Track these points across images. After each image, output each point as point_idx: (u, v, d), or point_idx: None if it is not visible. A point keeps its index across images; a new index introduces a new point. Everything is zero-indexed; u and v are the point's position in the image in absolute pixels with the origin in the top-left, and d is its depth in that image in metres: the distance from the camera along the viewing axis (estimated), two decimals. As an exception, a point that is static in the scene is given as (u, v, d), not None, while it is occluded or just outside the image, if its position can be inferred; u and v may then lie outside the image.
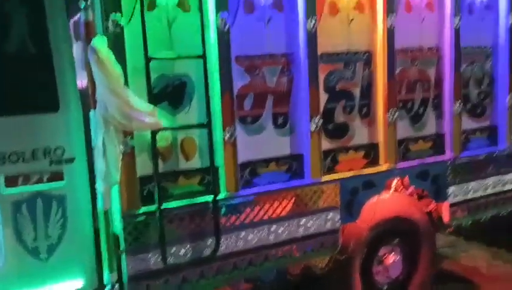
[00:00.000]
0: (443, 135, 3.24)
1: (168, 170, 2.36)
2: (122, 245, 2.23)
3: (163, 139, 2.33)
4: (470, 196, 3.33)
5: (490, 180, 3.44)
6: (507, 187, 3.54)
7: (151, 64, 2.23)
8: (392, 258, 3.18)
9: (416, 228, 3.20)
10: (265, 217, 2.61)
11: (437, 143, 3.23)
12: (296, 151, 2.73)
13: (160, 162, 2.32)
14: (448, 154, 3.24)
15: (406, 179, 3.10)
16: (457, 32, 3.14)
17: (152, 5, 2.27)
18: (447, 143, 3.24)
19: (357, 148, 2.93)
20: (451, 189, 3.24)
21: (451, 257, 4.41)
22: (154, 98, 2.26)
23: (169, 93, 2.35)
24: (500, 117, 3.47)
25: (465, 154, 3.32)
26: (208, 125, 2.37)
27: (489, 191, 3.44)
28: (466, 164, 3.30)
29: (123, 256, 2.23)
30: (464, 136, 3.32)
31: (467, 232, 4.22)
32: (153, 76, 2.26)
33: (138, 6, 2.18)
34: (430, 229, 3.28)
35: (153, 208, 2.28)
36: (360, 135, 2.94)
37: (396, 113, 2.97)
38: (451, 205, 3.26)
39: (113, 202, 2.19)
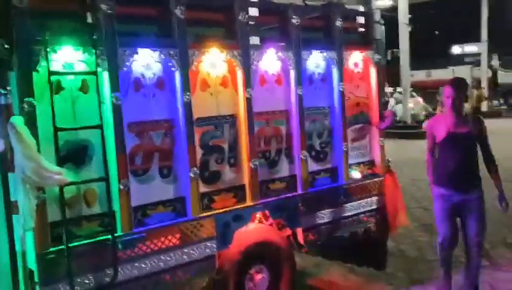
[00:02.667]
0: (295, 176, 4.20)
1: (73, 215, 2.98)
2: (36, 279, 2.78)
3: (70, 192, 2.96)
4: (318, 222, 4.30)
5: (334, 209, 4.44)
6: (347, 213, 4.57)
7: (59, 134, 2.88)
8: (260, 276, 3.97)
9: (278, 250, 4.05)
10: (156, 248, 3.29)
11: (290, 182, 4.17)
12: (179, 195, 3.48)
13: (67, 209, 2.93)
14: (299, 191, 4.20)
15: (266, 212, 3.97)
16: (300, 98, 4.15)
17: (59, 89, 2.93)
18: (298, 182, 4.20)
19: (228, 190, 3.76)
20: (302, 218, 4.18)
21: (315, 274, 5.38)
22: (61, 160, 2.90)
23: (74, 155, 2.99)
24: (338, 160, 4.53)
25: (313, 190, 4.30)
26: (105, 179, 3.03)
27: (333, 217, 4.43)
28: (314, 197, 4.26)
29: (37, 288, 2.78)
30: (311, 176, 4.32)
31: (328, 252, 5.22)
32: (60, 142, 2.90)
33: (48, 91, 2.83)
34: (290, 250, 4.18)
35: (61, 247, 2.87)
36: (229, 179, 3.78)
37: (257, 162, 3.87)
38: (304, 230, 4.19)
39: (29, 243, 2.75)
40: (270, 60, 4.00)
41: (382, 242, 4.99)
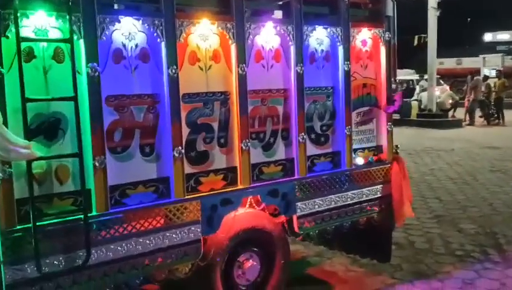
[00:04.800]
0: (292, 159, 3.95)
1: (43, 193, 2.81)
2: (1, 257, 2.63)
3: (39, 167, 2.78)
4: (315, 209, 4.05)
5: (333, 196, 4.18)
6: (349, 201, 4.30)
7: (29, 105, 2.69)
8: (250, 263, 3.76)
9: (270, 237, 3.83)
10: (134, 231, 3.10)
11: (286, 166, 3.92)
12: (162, 175, 3.28)
13: (36, 186, 2.77)
14: (296, 175, 3.95)
15: (258, 197, 3.74)
16: (300, 77, 3.88)
17: (30, 57, 2.74)
18: (295, 166, 3.95)
19: (216, 172, 3.54)
20: (298, 204, 3.93)
21: (316, 264, 5.15)
22: (31, 133, 2.72)
23: (45, 129, 2.81)
24: (340, 145, 4.26)
25: (311, 175, 4.05)
26: (78, 155, 2.84)
27: (333, 205, 4.17)
28: (311, 183, 4.00)
29: (1, 267, 2.63)
30: (310, 160, 4.07)
31: (330, 242, 4.99)
32: (31, 115, 2.72)
33: (16, 58, 2.65)
34: (283, 238, 3.96)
35: (28, 225, 2.71)
36: (219, 161, 3.55)
37: (249, 143, 3.63)
38: (299, 217, 3.95)
39: (-7, 220, 2.60)
40: (268, 35, 3.73)
41: (386, 233, 4.71)
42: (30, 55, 2.74)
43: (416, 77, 21.59)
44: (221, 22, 3.44)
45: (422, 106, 18.80)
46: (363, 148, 4.47)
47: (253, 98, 3.69)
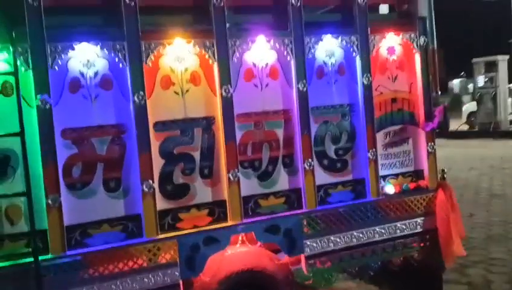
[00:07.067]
0: (298, 189, 3.43)
1: (-8, 234, 2.67)
2: None
3: (-14, 207, 2.65)
4: (330, 247, 3.46)
5: (355, 232, 3.55)
6: (377, 238, 3.63)
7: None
8: (249, 309, 3.31)
9: (273, 280, 3.32)
10: (96, 274, 2.84)
11: (291, 198, 3.41)
12: (132, 212, 2.98)
13: (-16, 227, 2.63)
14: (303, 209, 3.41)
15: (251, 234, 3.27)
16: (302, 95, 3.37)
17: (-26, 93, 2.65)
18: (302, 197, 3.42)
19: (200, 207, 3.16)
20: (307, 242, 3.38)
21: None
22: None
23: (-6, 166, 2.68)
24: (363, 171, 3.63)
25: (323, 207, 3.48)
26: (26, 193, 2.66)
27: (354, 242, 3.55)
28: (324, 217, 3.44)
29: None
30: (322, 190, 3.50)
31: (378, 280, 4.31)
32: (-21, 152, 2.61)
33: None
34: (291, 282, 3.42)
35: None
36: (202, 194, 3.17)
37: (239, 173, 3.20)
38: (308, 257, 3.39)
39: None
40: (260, 50, 3.30)
41: (434, 274, 3.92)
42: None
43: (510, 86, 18.99)
44: (199, 40, 3.09)
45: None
46: (396, 174, 3.78)
47: (243, 122, 3.27)
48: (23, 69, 2.68)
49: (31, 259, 2.68)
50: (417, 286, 3.95)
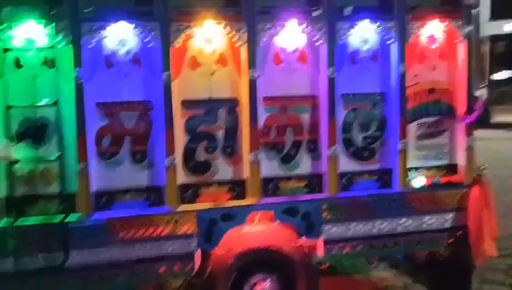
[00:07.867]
0: (320, 175, 3.45)
1: (29, 193, 2.97)
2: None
3: (26, 169, 2.95)
4: (349, 234, 3.46)
5: (378, 222, 3.52)
6: (400, 229, 3.58)
7: (16, 110, 2.88)
8: (264, 286, 3.39)
9: (290, 260, 3.36)
10: (118, 238, 3.08)
11: (312, 182, 3.45)
12: (155, 184, 3.18)
13: (23, 186, 2.94)
14: (324, 193, 3.44)
15: (271, 213, 3.33)
16: (331, 82, 3.35)
17: (18, 65, 2.93)
18: (324, 183, 3.45)
19: (220, 183, 3.30)
20: (325, 226, 3.41)
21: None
22: (18, 136, 2.91)
23: (32, 133, 2.97)
24: (392, 161, 3.56)
25: (346, 194, 3.48)
26: (60, 158, 2.93)
27: (376, 231, 3.52)
28: (346, 204, 3.44)
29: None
30: (345, 177, 3.50)
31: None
32: (18, 120, 2.91)
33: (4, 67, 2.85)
34: (307, 264, 3.46)
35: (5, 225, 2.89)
36: (223, 172, 3.30)
37: (259, 154, 3.28)
38: (327, 242, 3.42)
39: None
40: (290, 34, 3.31)
41: (464, 272, 3.80)
42: (17, 63, 2.92)
43: None
44: (228, 22, 3.17)
45: None
46: (428, 167, 3.68)
47: (269, 105, 3.33)
48: (62, 44, 2.92)
49: (59, 218, 2.97)
50: (444, 282, 3.86)
